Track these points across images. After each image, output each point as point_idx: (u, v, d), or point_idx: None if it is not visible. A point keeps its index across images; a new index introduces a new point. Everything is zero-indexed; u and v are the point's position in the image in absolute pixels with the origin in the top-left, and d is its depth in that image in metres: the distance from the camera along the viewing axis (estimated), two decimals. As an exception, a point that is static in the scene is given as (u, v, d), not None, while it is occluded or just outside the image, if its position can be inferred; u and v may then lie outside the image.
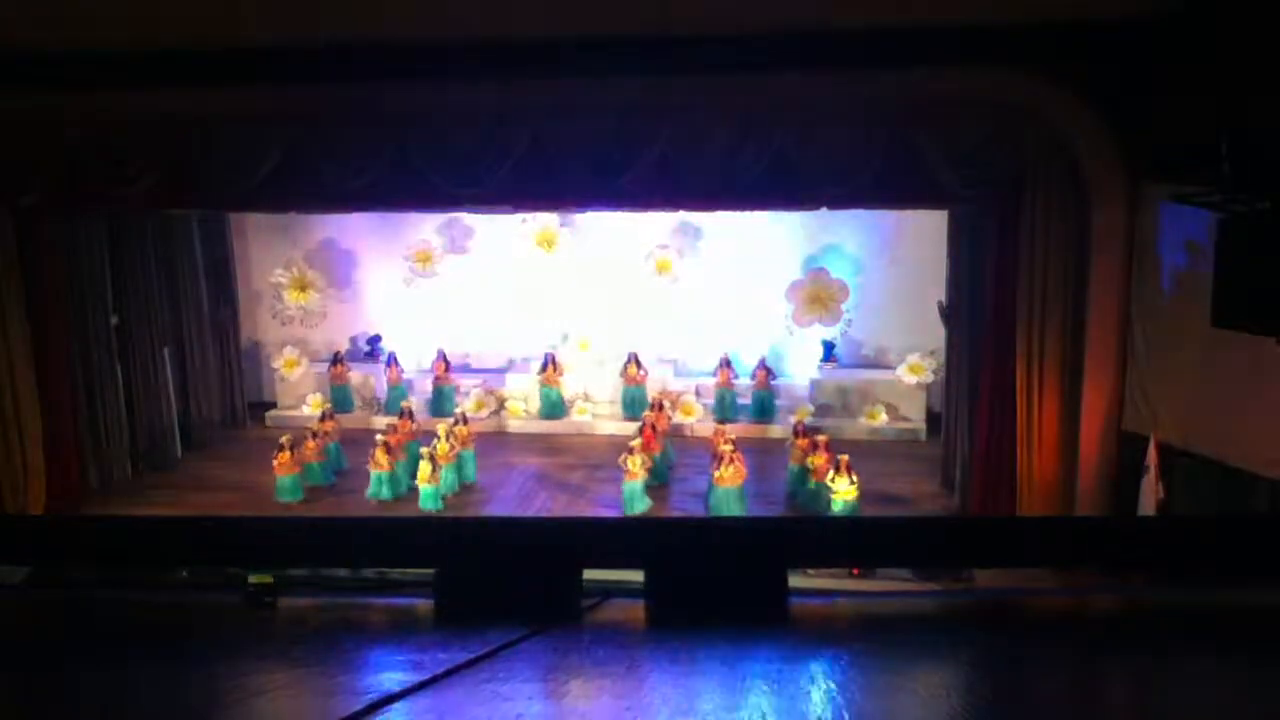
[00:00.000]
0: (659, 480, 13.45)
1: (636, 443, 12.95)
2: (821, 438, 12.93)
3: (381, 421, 15.02)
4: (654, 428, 13.68)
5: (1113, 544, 4.34)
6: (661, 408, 14.49)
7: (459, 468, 13.57)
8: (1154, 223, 10.54)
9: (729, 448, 12.56)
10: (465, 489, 13.63)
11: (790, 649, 3.53)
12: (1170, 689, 3.19)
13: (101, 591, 4.43)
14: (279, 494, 13.22)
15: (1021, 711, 3.04)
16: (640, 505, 12.67)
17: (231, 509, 12.60)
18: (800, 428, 13.55)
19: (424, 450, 13.12)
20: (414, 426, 14.13)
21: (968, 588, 9.86)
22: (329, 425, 14.40)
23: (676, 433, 14.97)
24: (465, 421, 14.09)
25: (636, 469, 12.65)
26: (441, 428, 13.62)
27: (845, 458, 12.13)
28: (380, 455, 13.20)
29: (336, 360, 16.31)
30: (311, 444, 13.78)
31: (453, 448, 13.36)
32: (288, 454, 13.29)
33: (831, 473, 12.09)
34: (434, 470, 12.84)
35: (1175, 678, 3.27)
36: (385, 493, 13.27)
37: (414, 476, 13.05)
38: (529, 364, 16.28)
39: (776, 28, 10.06)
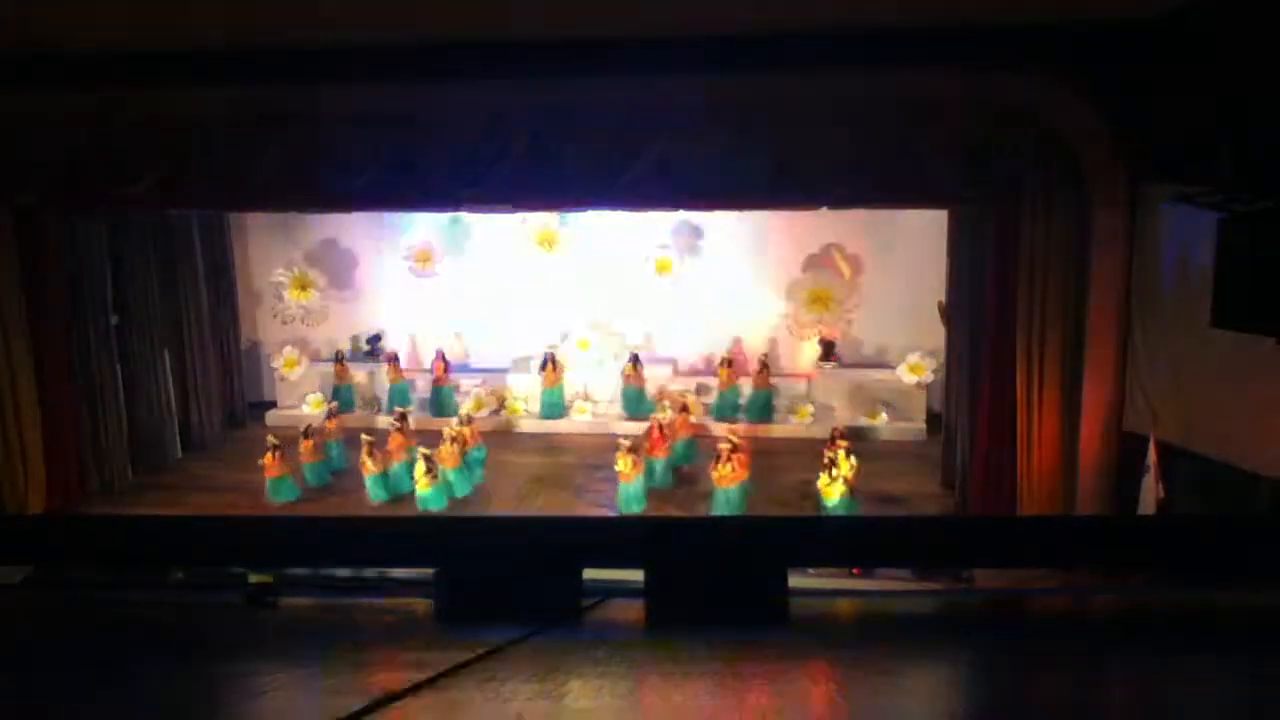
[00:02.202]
0: (662, 484, 13.37)
1: (626, 441, 12.84)
2: (844, 443, 12.69)
3: (383, 421, 15.02)
4: (661, 429, 13.61)
5: (1113, 544, 4.33)
6: (685, 409, 14.33)
7: (467, 469, 13.44)
8: (1154, 222, 10.53)
9: (729, 447, 12.54)
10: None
11: (790, 649, 3.53)
12: (1170, 689, 3.19)
13: (101, 591, 4.43)
14: (270, 495, 13.24)
15: (1021, 711, 3.03)
16: (636, 507, 12.64)
17: (231, 509, 12.60)
18: (838, 432, 12.83)
19: (423, 451, 13.05)
20: (406, 437, 13.85)
21: (968, 588, 9.86)
22: (330, 425, 14.40)
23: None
24: (470, 421, 14.01)
25: (628, 470, 12.60)
26: (446, 430, 13.58)
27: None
28: (366, 459, 13.21)
29: (338, 359, 16.32)
30: (307, 444, 13.76)
31: (454, 452, 13.27)
32: (271, 456, 13.30)
33: (823, 474, 12.07)
34: (429, 471, 12.80)
35: (1175, 678, 3.27)
36: (381, 495, 13.28)
37: (413, 479, 13.05)
38: (529, 363, 16.29)
39: (776, 28, 10.06)
